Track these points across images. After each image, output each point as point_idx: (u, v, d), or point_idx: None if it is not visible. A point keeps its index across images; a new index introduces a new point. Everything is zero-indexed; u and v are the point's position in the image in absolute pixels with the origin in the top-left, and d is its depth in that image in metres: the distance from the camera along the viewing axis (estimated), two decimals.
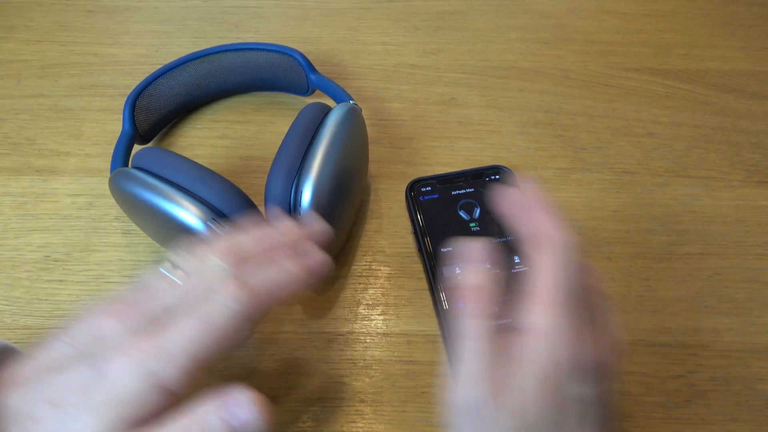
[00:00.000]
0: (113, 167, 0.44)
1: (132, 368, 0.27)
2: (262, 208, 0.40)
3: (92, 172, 0.50)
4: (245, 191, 0.39)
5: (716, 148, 0.52)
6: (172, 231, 0.39)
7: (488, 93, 0.56)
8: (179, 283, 0.30)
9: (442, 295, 0.42)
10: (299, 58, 0.50)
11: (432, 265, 0.44)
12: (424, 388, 0.40)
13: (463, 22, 0.61)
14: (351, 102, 0.46)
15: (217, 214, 0.38)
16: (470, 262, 0.31)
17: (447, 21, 0.61)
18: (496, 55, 0.59)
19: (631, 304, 0.44)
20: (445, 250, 0.45)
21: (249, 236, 0.33)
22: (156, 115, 0.50)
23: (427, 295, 0.44)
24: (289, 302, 0.32)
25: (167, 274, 0.31)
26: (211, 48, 0.51)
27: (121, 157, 0.45)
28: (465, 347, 0.29)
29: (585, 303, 0.30)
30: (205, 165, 0.40)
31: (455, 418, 0.29)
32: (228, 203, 0.38)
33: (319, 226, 0.36)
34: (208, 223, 0.37)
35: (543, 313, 0.28)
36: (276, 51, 0.51)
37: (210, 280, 0.30)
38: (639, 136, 0.53)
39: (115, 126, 0.53)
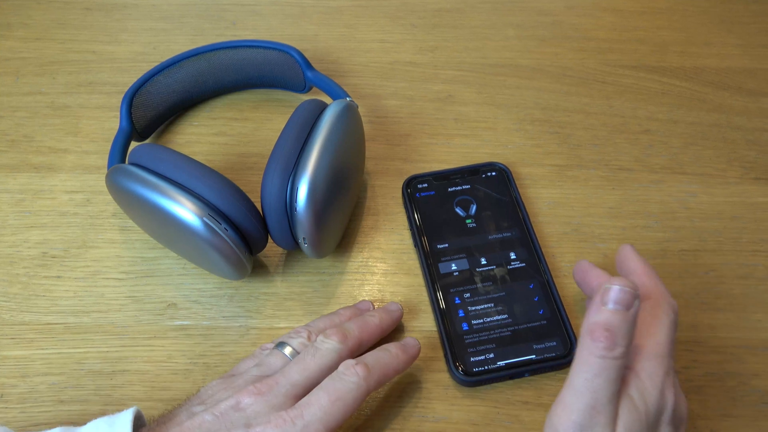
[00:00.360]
0: (110, 164, 0.44)
1: None
2: (258, 205, 0.40)
3: (90, 169, 0.50)
4: (242, 188, 0.40)
5: (712, 145, 0.52)
6: (169, 227, 0.39)
7: (485, 90, 0.56)
8: (290, 359, 0.36)
9: (439, 292, 0.43)
10: (296, 56, 0.51)
11: (428, 262, 0.44)
12: (420, 384, 0.40)
13: (460, 19, 0.61)
14: (347, 99, 0.46)
15: (213, 210, 0.38)
16: (613, 302, 0.31)
17: (444, 18, 0.62)
18: (493, 53, 0.59)
19: None
20: (442, 246, 0.45)
21: (343, 318, 0.40)
22: (153, 112, 0.51)
23: (423, 291, 0.44)
24: (393, 377, 0.38)
25: (282, 352, 0.37)
26: (208, 45, 0.51)
27: (118, 153, 0.45)
28: (587, 379, 0.31)
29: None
30: (202, 162, 0.40)
31: None
32: (224, 199, 0.38)
33: (396, 307, 0.42)
34: (204, 219, 0.37)
35: (656, 363, 0.32)
36: (273, 48, 0.51)
37: (326, 356, 0.36)
38: (635, 133, 0.53)
39: (112, 123, 0.53)
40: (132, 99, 0.48)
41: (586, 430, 0.30)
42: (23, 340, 0.42)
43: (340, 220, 0.44)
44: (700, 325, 0.43)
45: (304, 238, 0.40)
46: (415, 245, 0.46)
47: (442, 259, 0.44)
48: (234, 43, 0.51)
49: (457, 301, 0.42)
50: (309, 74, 0.51)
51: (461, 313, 0.42)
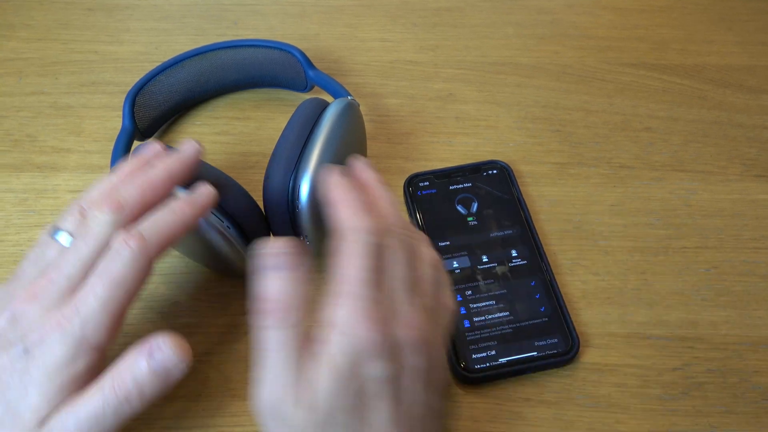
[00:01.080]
0: (113, 163, 0.44)
1: (57, 338, 0.30)
2: (260, 203, 0.40)
3: (92, 169, 0.50)
4: (244, 187, 0.40)
5: (713, 142, 0.52)
6: None
7: (485, 88, 0.56)
8: (68, 245, 0.32)
9: None
10: (297, 55, 0.51)
11: None
12: None
13: (460, 18, 0.62)
14: (349, 97, 0.46)
15: (216, 207, 0.38)
16: (269, 269, 0.30)
17: (444, 17, 0.62)
18: (493, 51, 0.59)
19: (628, 297, 0.44)
20: (443, 244, 0.45)
21: (122, 177, 0.35)
22: (156, 111, 0.51)
23: None
24: (182, 236, 0.34)
25: (56, 240, 0.33)
26: (210, 45, 0.51)
27: (121, 152, 0.45)
28: (266, 356, 0.29)
29: (399, 278, 0.31)
30: (203, 161, 0.40)
31: (262, 420, 0.30)
32: (226, 197, 0.38)
33: (188, 146, 0.36)
34: (207, 216, 0.37)
35: (339, 306, 0.29)
36: (274, 47, 0.51)
37: (100, 236, 0.32)
38: (636, 131, 0.53)
39: (115, 123, 0.53)
40: (134, 98, 0.48)
41: (279, 401, 0.28)
42: None
43: None
44: (701, 321, 0.43)
45: (306, 236, 0.40)
46: None
47: (444, 256, 0.44)
48: (236, 42, 0.52)
49: (459, 298, 0.42)
50: (310, 73, 0.51)
51: (463, 311, 0.42)
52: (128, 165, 0.36)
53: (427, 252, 0.34)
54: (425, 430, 0.30)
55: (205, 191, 0.35)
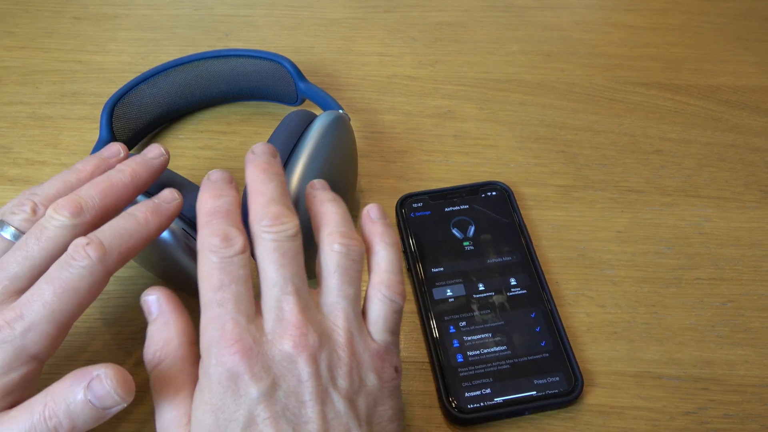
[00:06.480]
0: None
1: None
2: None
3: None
4: None
5: (729, 166, 0.49)
6: None
7: (487, 106, 0.53)
8: (14, 242, 0.30)
9: (432, 320, 0.39)
10: (288, 66, 0.48)
11: (422, 287, 0.41)
12: (409, 421, 0.37)
13: (462, 33, 0.59)
14: (339, 110, 0.43)
15: (190, 224, 0.35)
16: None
17: (446, 32, 0.59)
18: (496, 68, 0.56)
19: (637, 332, 0.40)
20: (437, 270, 0.42)
21: (81, 177, 0.33)
22: (136, 123, 0.48)
23: (415, 318, 0.41)
24: (143, 247, 0.31)
25: (3, 236, 0.31)
26: (195, 54, 0.49)
27: None
28: None
29: None
30: (185, 176, 0.37)
31: None
32: (193, 208, 0.36)
33: (154, 151, 0.34)
34: (180, 234, 0.35)
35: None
36: (264, 58, 0.49)
37: (55, 239, 0.29)
38: (646, 153, 0.50)
39: (94, 135, 0.50)
40: (113, 109, 0.45)
41: None
42: None
43: None
44: (716, 360, 0.39)
45: None
46: (408, 268, 0.42)
47: (437, 284, 0.41)
48: (222, 52, 0.49)
49: (452, 330, 0.39)
50: (301, 85, 0.48)
51: (456, 344, 0.38)
52: (87, 164, 0.34)
53: None
54: None
55: (170, 197, 0.33)
